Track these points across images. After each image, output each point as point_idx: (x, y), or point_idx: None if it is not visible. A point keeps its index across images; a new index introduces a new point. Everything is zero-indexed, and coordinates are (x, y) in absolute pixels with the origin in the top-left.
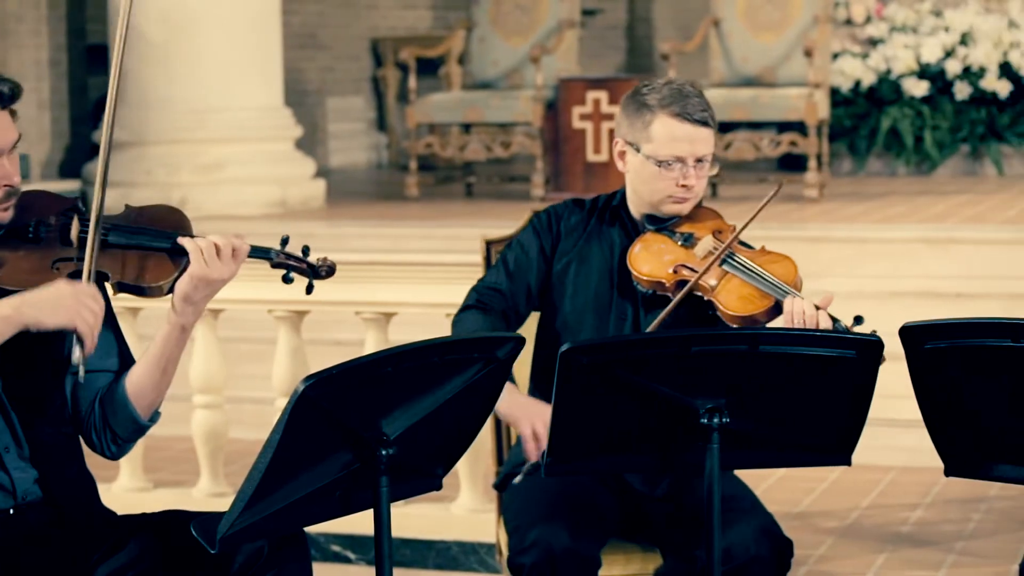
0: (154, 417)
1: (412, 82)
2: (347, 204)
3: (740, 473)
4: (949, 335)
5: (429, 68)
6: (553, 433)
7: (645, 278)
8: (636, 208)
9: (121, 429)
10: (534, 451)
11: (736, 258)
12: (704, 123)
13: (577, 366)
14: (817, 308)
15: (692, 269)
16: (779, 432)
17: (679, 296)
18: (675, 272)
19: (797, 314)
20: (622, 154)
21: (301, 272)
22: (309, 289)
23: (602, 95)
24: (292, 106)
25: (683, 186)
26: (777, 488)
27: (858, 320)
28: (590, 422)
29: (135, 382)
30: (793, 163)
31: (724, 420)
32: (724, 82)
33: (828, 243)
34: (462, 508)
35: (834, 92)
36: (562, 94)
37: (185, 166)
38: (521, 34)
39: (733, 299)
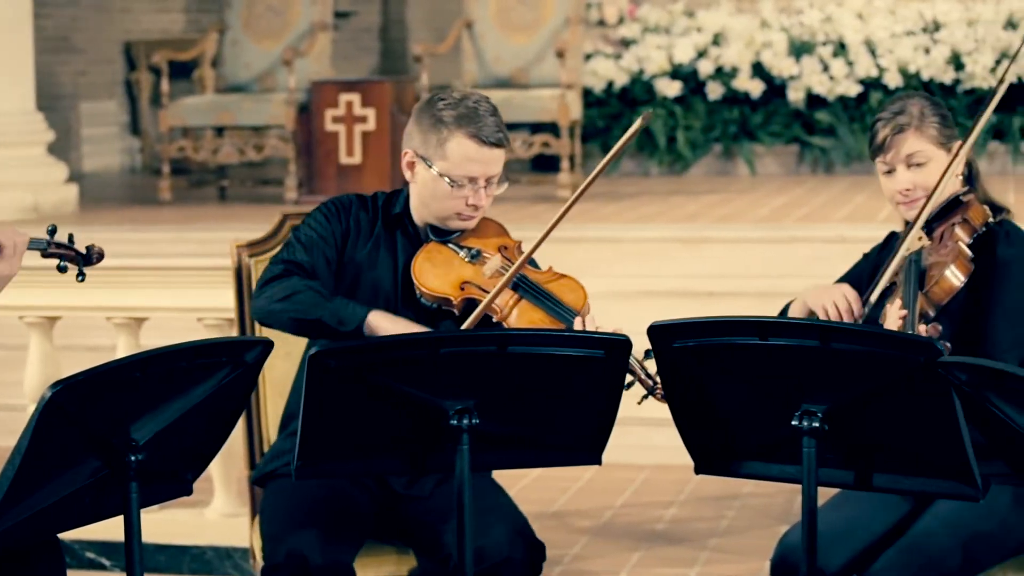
0: None
1: (165, 85)
2: (100, 209)
3: (496, 473)
4: (697, 333)
5: (183, 71)
6: (303, 436)
7: (429, 292)
8: (420, 217)
9: None
10: None
11: (527, 281)
12: (499, 144)
13: (326, 369)
14: None
15: (482, 289)
16: (529, 432)
17: (473, 318)
18: (463, 289)
19: None
20: (411, 165)
21: (72, 260)
22: (81, 277)
23: (355, 98)
24: (44, 110)
25: (472, 205)
26: (532, 488)
27: (648, 354)
28: (341, 425)
29: None
30: (546, 164)
31: (474, 421)
32: (476, 83)
33: (582, 243)
34: (216, 512)
35: (587, 93)
36: (315, 97)
37: None
38: (273, 37)
39: (523, 324)
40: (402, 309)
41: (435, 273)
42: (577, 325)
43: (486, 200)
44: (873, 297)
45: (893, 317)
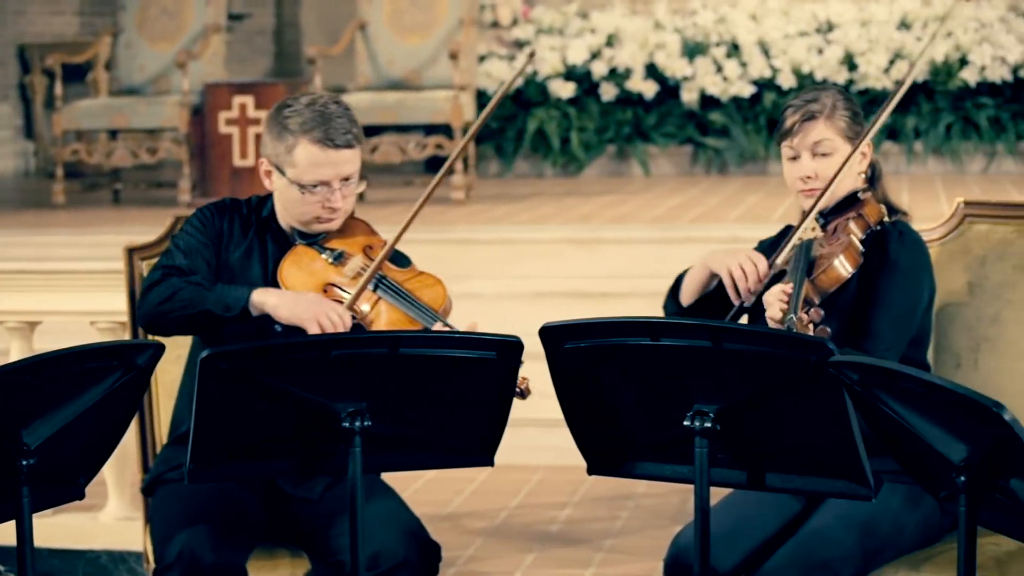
0: None
1: (58, 88)
2: None
3: (389, 475)
4: (588, 335)
5: (77, 74)
6: (195, 439)
7: None
8: (284, 222)
9: None
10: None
11: (386, 281)
12: (348, 145)
13: (217, 372)
14: None
15: (343, 290)
16: (422, 434)
17: None
18: (325, 291)
19: None
20: (268, 173)
21: None
22: None
23: (248, 100)
24: None
25: (329, 208)
26: (426, 490)
27: None
28: (233, 428)
29: None
30: (440, 165)
31: (365, 423)
32: (370, 85)
33: (475, 245)
34: (110, 516)
35: (480, 94)
36: (208, 99)
37: None
38: (167, 39)
39: (382, 324)
40: None
41: (299, 276)
42: (437, 325)
43: (343, 201)
44: (775, 265)
45: (776, 293)
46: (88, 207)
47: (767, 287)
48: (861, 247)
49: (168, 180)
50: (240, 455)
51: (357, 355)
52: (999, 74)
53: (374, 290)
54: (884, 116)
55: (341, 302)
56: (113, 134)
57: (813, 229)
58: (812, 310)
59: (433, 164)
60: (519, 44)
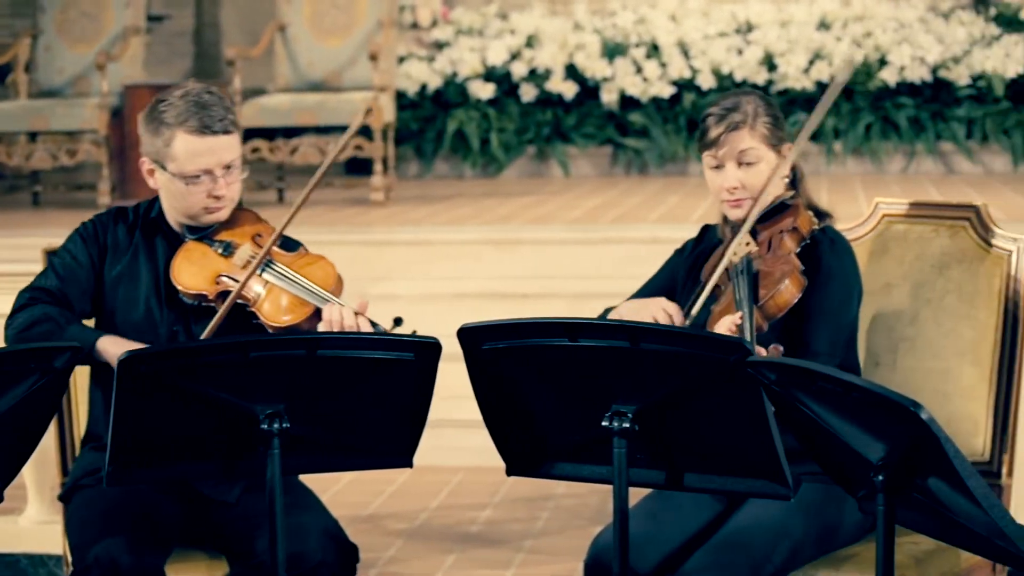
0: None
1: None
2: None
3: (309, 478)
4: (506, 335)
5: None
6: (113, 442)
7: (186, 290)
8: (174, 219)
9: None
10: None
11: (275, 265)
12: (226, 131)
13: (135, 375)
14: (356, 314)
15: (233, 279)
16: (340, 436)
17: (223, 310)
18: (217, 283)
19: (335, 322)
20: (151, 172)
21: None
22: None
23: None
24: None
25: (215, 196)
26: (346, 491)
27: (397, 322)
28: (152, 430)
29: None
30: (360, 167)
31: (284, 425)
32: (290, 87)
33: (394, 246)
34: (29, 520)
35: (400, 96)
36: (128, 101)
37: None
38: (87, 41)
39: (274, 309)
40: (167, 311)
41: (191, 271)
42: (327, 309)
43: (227, 189)
44: (696, 307)
45: (726, 325)
46: (7, 209)
47: (706, 306)
48: (802, 266)
49: (88, 182)
50: (159, 457)
51: (275, 357)
52: (918, 74)
53: (263, 274)
54: (810, 129)
55: (230, 291)
56: (32, 136)
57: (747, 244)
58: (771, 347)
59: (353, 165)
60: (439, 45)
